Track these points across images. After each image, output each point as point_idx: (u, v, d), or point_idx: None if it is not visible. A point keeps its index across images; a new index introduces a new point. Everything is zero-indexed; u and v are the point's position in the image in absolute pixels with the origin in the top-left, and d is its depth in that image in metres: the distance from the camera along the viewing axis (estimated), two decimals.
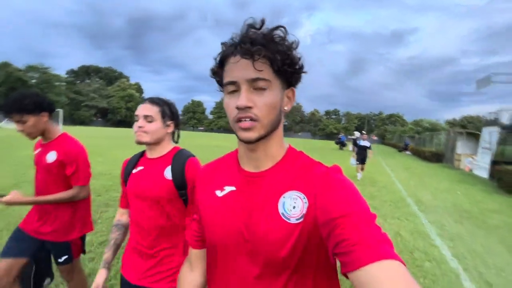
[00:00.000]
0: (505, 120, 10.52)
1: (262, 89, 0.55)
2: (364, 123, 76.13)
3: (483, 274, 3.00)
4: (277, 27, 0.56)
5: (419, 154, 21.16)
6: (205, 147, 16.98)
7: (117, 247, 1.24)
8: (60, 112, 28.42)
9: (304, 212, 0.56)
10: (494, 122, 11.63)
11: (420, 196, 6.84)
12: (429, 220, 4.86)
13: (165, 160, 1.19)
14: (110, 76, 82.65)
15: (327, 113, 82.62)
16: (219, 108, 75.72)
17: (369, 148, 8.53)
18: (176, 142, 1.31)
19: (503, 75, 10.94)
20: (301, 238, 0.55)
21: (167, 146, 1.23)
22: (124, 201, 1.31)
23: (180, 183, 1.13)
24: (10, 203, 1.42)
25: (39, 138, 1.58)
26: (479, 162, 11.59)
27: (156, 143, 1.19)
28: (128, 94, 72.20)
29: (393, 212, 5.17)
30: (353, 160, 8.70)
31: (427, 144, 23.12)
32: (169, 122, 1.21)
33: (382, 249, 0.43)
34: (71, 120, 60.54)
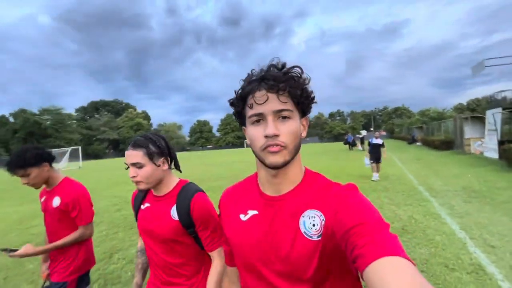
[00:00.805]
0: (506, 100, 10.87)
1: (286, 118, 0.62)
2: (371, 120, 75.98)
3: (487, 239, 3.48)
4: (294, 66, 0.63)
5: (428, 143, 21.32)
6: (230, 163, 17.69)
7: (144, 270, 1.30)
8: (79, 149, 29.99)
9: (323, 229, 0.60)
10: (496, 103, 11.95)
11: (431, 183, 7.26)
12: (439, 203, 5.32)
13: (170, 198, 1.15)
14: (118, 108, 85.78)
15: (331, 115, 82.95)
16: (225, 125, 77.01)
17: (382, 146, 8.29)
18: (180, 172, 1.28)
19: (496, 58, 11.38)
20: (324, 253, 0.59)
21: (171, 182, 1.19)
22: None
23: (188, 223, 1.10)
24: (23, 256, 1.48)
25: (43, 186, 1.67)
26: (488, 144, 11.85)
27: (158, 184, 1.16)
28: (136, 123, 74.55)
29: (406, 200, 5.65)
30: (366, 160, 8.40)
31: (435, 133, 23.23)
32: (160, 161, 1.13)
33: (391, 247, 0.44)
34: (86, 155, 62.83)
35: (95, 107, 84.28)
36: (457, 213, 4.65)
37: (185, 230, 1.11)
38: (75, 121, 70.83)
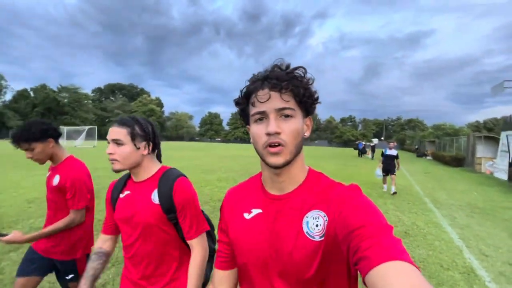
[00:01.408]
0: None
1: (289, 117, 0.62)
2: (382, 129, 75.15)
3: (482, 249, 3.80)
4: (297, 67, 0.65)
5: (439, 158, 21.25)
6: (240, 157, 18.21)
7: (94, 279, 1.11)
8: (95, 129, 31.12)
9: (326, 229, 0.60)
10: (511, 126, 11.96)
11: (437, 196, 7.52)
12: (442, 214, 5.62)
13: (152, 182, 1.11)
14: (133, 93, 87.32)
15: (342, 120, 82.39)
16: (235, 119, 77.61)
17: (396, 157, 7.70)
18: (160, 162, 1.23)
19: None
20: (326, 254, 0.59)
21: (152, 168, 1.15)
22: (107, 227, 1.22)
23: (168, 207, 1.06)
24: (10, 242, 1.44)
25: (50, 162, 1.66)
26: (499, 165, 11.90)
27: (134, 167, 1.11)
28: (149, 109, 75.82)
29: (411, 208, 5.97)
30: (378, 171, 7.76)
31: (447, 149, 23.07)
32: (141, 144, 1.10)
33: (395, 252, 0.44)
34: (99, 135, 64.63)
35: (111, 90, 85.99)
36: (458, 225, 4.95)
37: (165, 215, 1.06)
38: (90, 101, 72.73)
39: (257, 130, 0.64)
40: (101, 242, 1.22)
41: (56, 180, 1.57)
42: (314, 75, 0.67)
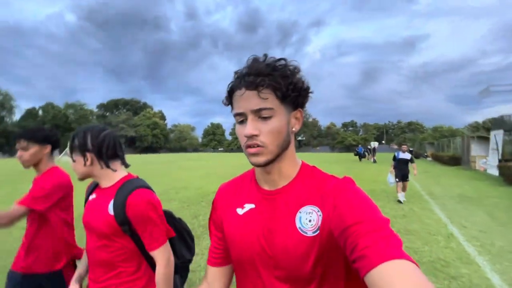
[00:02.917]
0: (507, 123, 12.08)
1: (267, 118, 0.59)
2: (383, 132, 76.41)
3: (462, 223, 4.90)
4: (279, 59, 0.61)
5: (438, 159, 22.34)
6: (249, 165, 19.34)
7: (81, 278, 1.20)
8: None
9: (320, 224, 0.59)
10: (500, 125, 13.13)
11: (433, 189, 8.61)
12: (435, 202, 6.71)
13: (111, 191, 1.08)
14: (136, 107, 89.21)
15: (344, 125, 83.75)
16: None
17: (411, 161, 7.15)
18: (126, 166, 1.20)
19: (501, 86, 12.63)
20: (321, 250, 0.59)
21: (116, 175, 1.12)
22: None
23: (122, 220, 1.02)
24: None
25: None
26: (491, 162, 12.99)
27: (89, 177, 1.13)
28: (153, 122, 77.45)
29: (409, 198, 7.06)
30: (390, 178, 7.03)
31: (445, 149, 24.17)
32: (77, 157, 1.09)
33: (393, 250, 0.44)
34: None
35: (115, 104, 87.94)
36: (447, 208, 6.05)
37: (119, 227, 1.03)
38: (95, 117, 74.67)
39: (238, 131, 0.63)
40: None
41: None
42: (313, 82, 0.64)
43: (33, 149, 1.50)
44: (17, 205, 1.36)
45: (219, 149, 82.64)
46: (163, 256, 1.07)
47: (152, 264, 1.11)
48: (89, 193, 1.19)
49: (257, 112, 0.59)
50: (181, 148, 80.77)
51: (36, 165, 1.53)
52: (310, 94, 0.66)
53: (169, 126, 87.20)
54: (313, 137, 78.80)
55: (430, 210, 5.94)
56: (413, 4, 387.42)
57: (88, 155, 1.09)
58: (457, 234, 4.32)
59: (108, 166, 1.11)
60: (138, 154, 60.15)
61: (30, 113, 60.81)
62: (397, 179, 6.96)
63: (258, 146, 0.60)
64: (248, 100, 0.59)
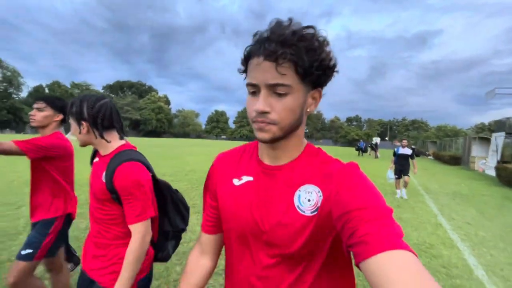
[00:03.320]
0: (508, 125, 12.30)
1: (282, 94, 0.54)
2: (387, 129, 76.27)
3: (452, 216, 5.29)
4: (307, 27, 0.54)
5: (439, 158, 22.59)
6: None
7: None
8: None
9: (319, 205, 0.58)
10: (502, 128, 13.34)
11: (429, 186, 8.98)
12: (430, 197, 7.09)
13: (107, 160, 1.13)
14: (141, 90, 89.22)
15: (348, 120, 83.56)
16: (241, 118, 79.18)
17: (411, 157, 6.87)
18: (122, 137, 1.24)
19: (507, 88, 12.76)
20: (315, 231, 0.57)
21: (112, 145, 1.17)
22: None
23: (110, 188, 1.07)
24: None
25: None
26: (489, 163, 13.28)
27: (87, 145, 1.18)
28: (157, 106, 77.60)
29: (407, 193, 7.46)
30: (390, 173, 6.83)
31: (447, 149, 24.38)
32: (74, 125, 1.15)
33: (394, 240, 0.43)
34: None
35: (121, 87, 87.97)
36: (440, 203, 6.44)
37: (109, 195, 1.08)
38: None
39: (248, 103, 0.58)
40: None
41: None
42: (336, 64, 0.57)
43: (48, 112, 1.64)
44: (12, 142, 1.48)
45: (222, 136, 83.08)
46: (138, 233, 1.07)
47: None
48: (93, 156, 1.27)
49: (272, 87, 0.54)
50: (184, 134, 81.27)
51: (43, 127, 1.66)
52: (334, 73, 0.59)
53: (173, 111, 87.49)
54: (317, 129, 78.83)
55: (423, 202, 6.33)
56: None
57: (84, 123, 1.12)
58: (444, 224, 4.72)
59: (102, 137, 1.14)
60: (142, 137, 60.75)
61: (37, 91, 61.22)
62: (396, 176, 6.83)
63: (268, 123, 0.56)
64: (264, 71, 0.53)
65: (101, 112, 1.12)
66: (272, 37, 0.53)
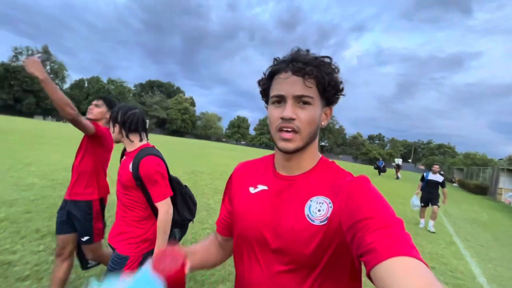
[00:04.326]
0: None
1: (306, 104, 0.62)
2: (411, 151, 73.90)
3: (467, 238, 5.79)
4: (324, 56, 0.65)
5: (464, 186, 22.08)
6: None
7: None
8: (147, 122, 35.18)
9: (329, 215, 0.60)
10: None
11: (449, 210, 9.29)
12: (448, 220, 7.53)
13: (132, 155, 1.47)
14: (169, 90, 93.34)
15: (370, 137, 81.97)
16: (262, 125, 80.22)
17: (441, 185, 6.14)
18: (143, 139, 1.55)
19: None
20: (325, 240, 0.59)
21: (135, 144, 1.51)
22: None
23: (136, 176, 1.39)
24: (31, 70, 1.46)
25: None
26: None
27: (118, 142, 1.56)
28: (184, 107, 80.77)
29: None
30: (415, 200, 6.22)
31: (474, 178, 23.71)
32: (111, 127, 1.52)
33: (403, 247, 0.43)
34: None
35: (151, 85, 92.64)
36: (457, 226, 6.89)
37: (134, 182, 1.41)
38: (131, 95, 79.76)
39: (273, 112, 0.65)
40: None
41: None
42: (345, 88, 0.68)
43: (103, 109, 1.97)
44: (88, 121, 1.79)
45: (242, 142, 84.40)
46: (163, 207, 1.40)
47: (156, 215, 1.45)
48: (122, 155, 1.58)
49: (299, 98, 0.62)
50: (206, 136, 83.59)
51: (96, 121, 1.95)
52: (341, 96, 0.69)
53: (197, 113, 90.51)
54: (337, 144, 77.96)
55: (441, 224, 6.81)
56: (470, 19, 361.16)
57: (117, 125, 1.48)
58: (458, 243, 5.26)
59: (127, 137, 1.49)
60: (166, 136, 63.43)
61: (78, 84, 66.39)
62: (422, 204, 6.19)
63: (293, 130, 0.62)
64: (292, 84, 0.62)
65: (129, 118, 1.48)
66: (298, 58, 0.63)
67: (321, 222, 0.60)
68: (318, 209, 0.62)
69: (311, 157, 0.70)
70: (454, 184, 26.68)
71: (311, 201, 0.64)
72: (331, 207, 0.61)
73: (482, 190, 18.41)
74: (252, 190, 0.74)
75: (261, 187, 0.73)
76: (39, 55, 1.53)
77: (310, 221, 0.61)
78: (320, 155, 0.73)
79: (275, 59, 0.68)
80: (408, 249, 0.43)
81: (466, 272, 3.76)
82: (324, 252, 0.60)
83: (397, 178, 21.99)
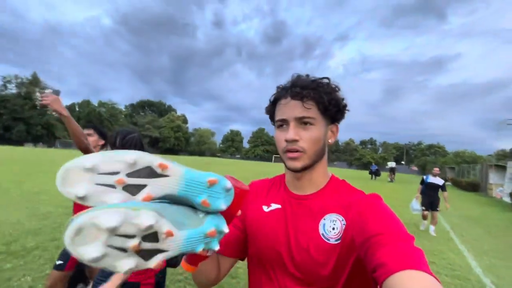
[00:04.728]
0: None
1: (308, 125, 0.66)
2: (403, 153, 75.47)
3: (462, 234, 6.19)
4: (322, 78, 0.69)
5: (457, 184, 22.78)
6: (275, 172, 20.87)
7: None
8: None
9: (342, 233, 0.61)
10: None
11: (443, 208, 9.74)
12: (445, 219, 7.94)
13: None
14: (161, 109, 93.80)
15: (363, 142, 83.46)
16: (256, 138, 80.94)
17: (442, 188, 6.09)
18: None
19: None
20: (341, 259, 0.60)
21: None
22: None
23: None
24: (51, 104, 1.53)
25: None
26: (506, 190, 13.75)
27: None
28: (176, 125, 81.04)
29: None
30: (415, 204, 6.19)
31: (466, 175, 24.51)
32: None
33: (413, 261, 0.43)
34: None
35: (142, 105, 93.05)
36: (452, 222, 7.31)
37: None
38: (123, 116, 79.77)
39: (279, 135, 0.69)
40: None
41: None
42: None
43: (95, 137, 2.10)
44: (88, 144, 1.75)
45: (236, 156, 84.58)
46: None
47: None
48: None
49: (300, 120, 0.66)
50: (200, 152, 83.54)
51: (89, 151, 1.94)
52: (346, 112, 0.72)
53: (190, 130, 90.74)
54: (331, 151, 78.34)
55: (439, 222, 7.14)
56: (445, 24, 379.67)
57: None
58: (455, 239, 5.64)
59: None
60: (160, 155, 62.85)
61: (69, 109, 65.89)
62: (423, 207, 6.05)
63: (298, 151, 0.66)
64: (292, 108, 0.66)
65: (128, 142, 1.50)
66: (297, 83, 0.68)
67: (336, 240, 0.62)
68: (332, 227, 0.64)
69: (322, 175, 0.73)
70: (448, 183, 27.37)
71: (324, 219, 0.66)
72: (344, 224, 0.63)
73: (473, 187, 19.07)
74: (265, 208, 0.75)
75: (274, 206, 0.74)
76: (51, 90, 1.59)
77: (325, 240, 0.63)
78: (331, 174, 0.76)
79: (277, 87, 0.73)
80: (418, 263, 0.43)
81: (463, 265, 4.11)
82: (342, 271, 0.61)
83: (391, 181, 22.09)
